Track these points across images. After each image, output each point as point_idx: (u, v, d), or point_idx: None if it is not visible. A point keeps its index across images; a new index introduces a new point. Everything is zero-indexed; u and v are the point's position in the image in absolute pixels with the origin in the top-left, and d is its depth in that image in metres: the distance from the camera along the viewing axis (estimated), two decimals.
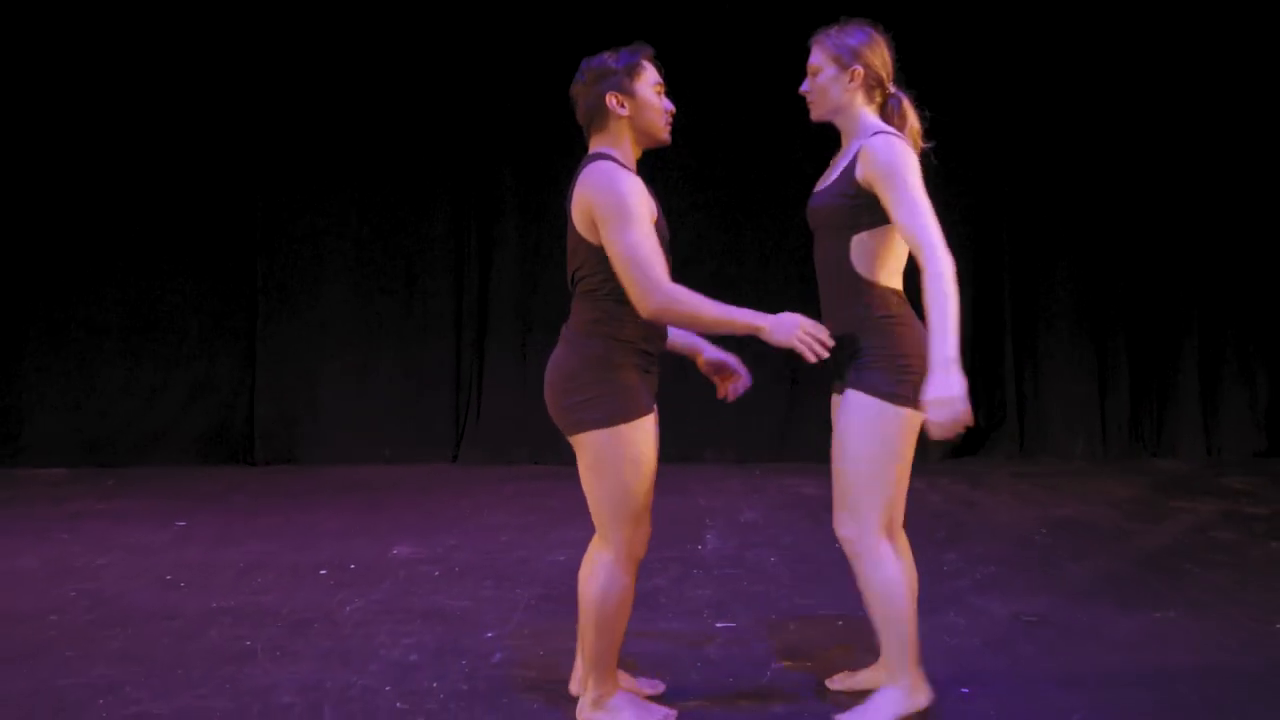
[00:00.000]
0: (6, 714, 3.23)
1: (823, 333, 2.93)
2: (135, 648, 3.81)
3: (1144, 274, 7.66)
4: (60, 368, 7.49)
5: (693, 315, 2.93)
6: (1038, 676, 3.50)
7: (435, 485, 6.84)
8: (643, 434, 3.02)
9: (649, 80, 3.07)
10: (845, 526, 3.08)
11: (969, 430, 2.96)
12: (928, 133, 3.20)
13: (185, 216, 7.48)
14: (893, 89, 3.15)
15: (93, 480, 6.97)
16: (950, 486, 6.62)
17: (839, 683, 3.42)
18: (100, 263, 7.48)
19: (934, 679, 3.20)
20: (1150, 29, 7.53)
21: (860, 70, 3.08)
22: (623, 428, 2.99)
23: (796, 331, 2.91)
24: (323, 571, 4.81)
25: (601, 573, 3.08)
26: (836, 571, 4.13)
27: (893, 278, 3.07)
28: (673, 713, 3.19)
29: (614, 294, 3.00)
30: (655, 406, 3.09)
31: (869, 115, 3.11)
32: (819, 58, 3.12)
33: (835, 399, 3.22)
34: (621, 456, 3.00)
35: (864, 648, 3.74)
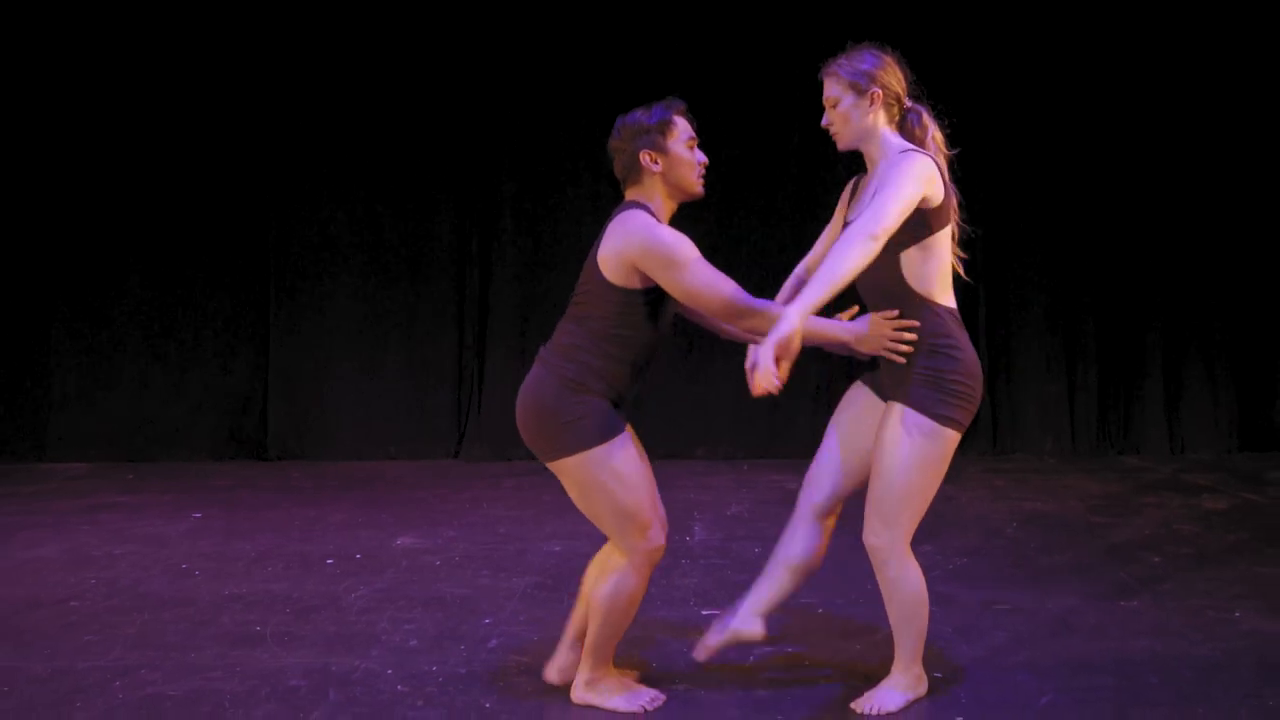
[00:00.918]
0: (30, 693, 3.35)
1: (897, 330, 3.04)
2: (151, 632, 3.90)
3: (1112, 277, 7.72)
4: (82, 368, 7.59)
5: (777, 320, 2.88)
6: (1008, 663, 3.58)
7: (437, 480, 6.90)
8: (620, 449, 3.06)
9: (681, 136, 3.11)
10: (878, 536, 3.10)
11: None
12: (949, 139, 3.22)
13: (203, 223, 7.60)
14: (909, 103, 3.15)
15: (112, 475, 7.04)
16: None
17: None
18: (121, 267, 7.58)
19: None
20: (1117, 33, 7.56)
21: (879, 92, 3.08)
22: (597, 450, 3.03)
23: (884, 341, 3.05)
24: (329, 561, 4.92)
25: (615, 575, 3.14)
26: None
27: (945, 292, 3.10)
28: (660, 695, 3.26)
29: (602, 330, 3.05)
30: (628, 425, 3.13)
31: (891, 135, 3.12)
32: (835, 89, 3.11)
33: (864, 398, 3.25)
34: (605, 477, 3.04)
35: (840, 632, 3.90)
